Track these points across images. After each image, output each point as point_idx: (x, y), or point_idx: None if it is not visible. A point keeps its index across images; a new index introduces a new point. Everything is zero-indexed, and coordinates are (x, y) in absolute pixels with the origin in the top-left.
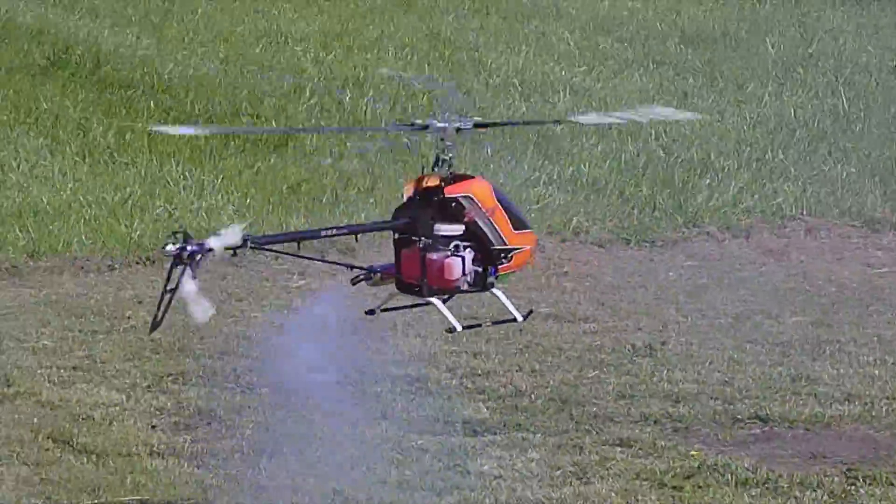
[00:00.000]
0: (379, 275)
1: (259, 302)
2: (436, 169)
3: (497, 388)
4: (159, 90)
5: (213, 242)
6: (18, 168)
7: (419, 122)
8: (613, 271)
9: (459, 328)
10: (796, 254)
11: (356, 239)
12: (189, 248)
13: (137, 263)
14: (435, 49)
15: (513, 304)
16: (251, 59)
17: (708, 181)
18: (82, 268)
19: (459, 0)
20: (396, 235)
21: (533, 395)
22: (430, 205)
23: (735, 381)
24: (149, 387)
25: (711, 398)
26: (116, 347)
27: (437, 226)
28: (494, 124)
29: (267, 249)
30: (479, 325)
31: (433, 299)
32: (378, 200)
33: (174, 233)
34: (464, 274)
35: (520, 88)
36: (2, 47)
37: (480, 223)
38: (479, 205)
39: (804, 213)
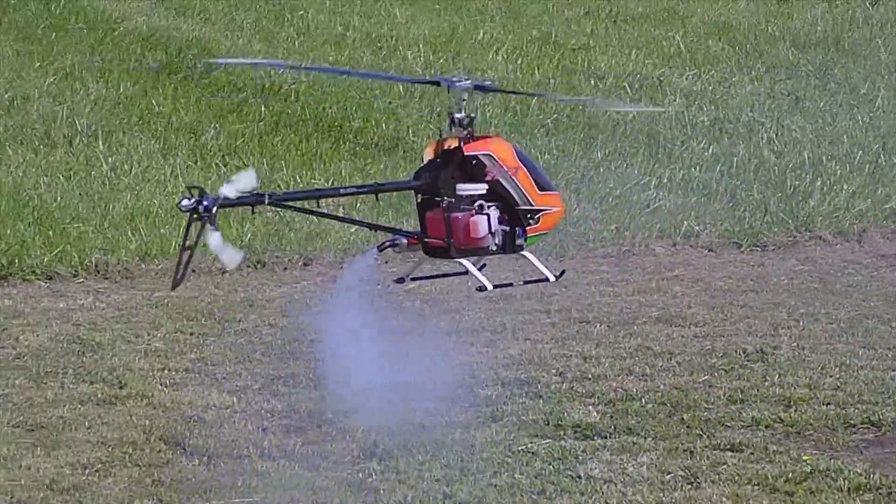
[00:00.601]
0: (405, 241)
1: (370, 304)
2: (453, 130)
3: (607, 392)
4: (270, 94)
5: (226, 190)
6: (131, 171)
7: (439, 77)
8: (724, 275)
9: (490, 287)
10: None
11: (377, 198)
12: (205, 202)
13: (248, 266)
14: (545, 53)
15: (544, 263)
16: (361, 63)
17: (820, 185)
18: (193, 271)
19: (569, 4)
20: (419, 199)
21: (643, 399)
22: (450, 164)
23: (847, 386)
24: (260, 389)
25: (823, 403)
26: (227, 350)
27: (458, 185)
28: (495, 90)
29: (286, 206)
30: (511, 284)
31: (462, 259)
32: None
33: (189, 188)
34: (490, 232)
35: (630, 92)
36: (116, 52)
37: (503, 182)
38: (501, 163)
39: None
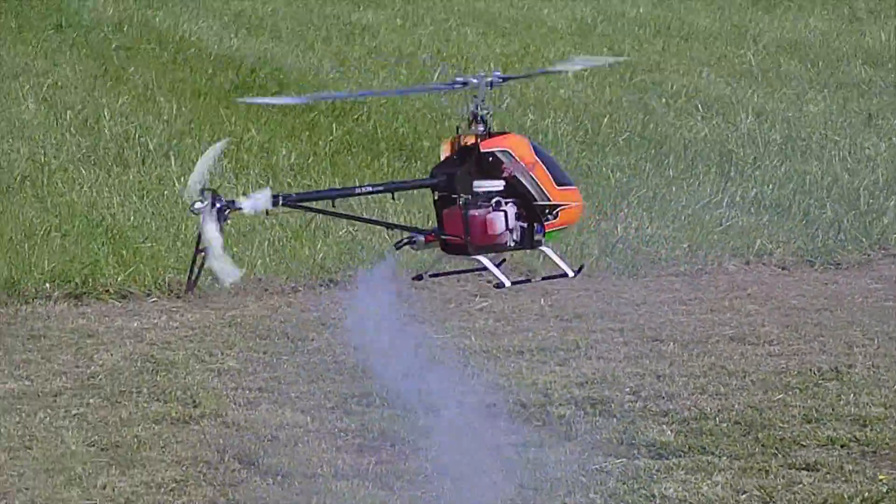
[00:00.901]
0: (423, 238)
1: (441, 323)
2: (472, 127)
3: (681, 411)
4: (341, 113)
5: (244, 203)
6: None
7: (460, 78)
8: (798, 294)
9: (508, 283)
10: None
11: (392, 197)
12: (217, 204)
13: (321, 285)
14: (616, 71)
15: (563, 259)
16: (430, 80)
17: (894, 203)
18: (266, 290)
19: (641, 22)
20: (436, 196)
21: (717, 419)
22: (467, 161)
23: None
24: (333, 408)
25: None
26: (301, 369)
27: (475, 182)
28: (515, 77)
29: (300, 207)
30: (530, 280)
31: (480, 257)
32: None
33: (203, 190)
34: (507, 229)
35: (701, 110)
36: (187, 71)
37: (521, 178)
38: (518, 159)
39: None
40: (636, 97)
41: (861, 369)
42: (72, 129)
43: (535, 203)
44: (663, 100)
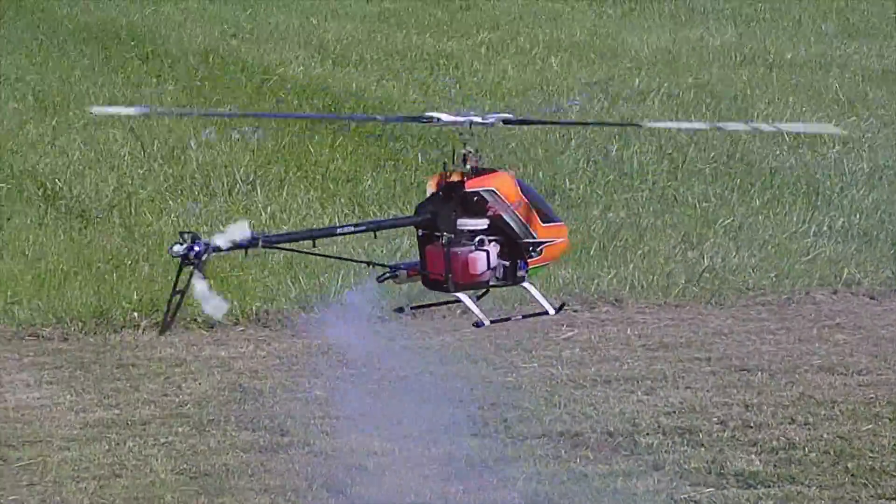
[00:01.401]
0: (405, 272)
1: (528, 353)
2: (458, 164)
3: (769, 441)
4: (426, 142)
5: (219, 240)
6: (289, 220)
7: (434, 115)
8: (887, 323)
9: (487, 322)
10: None
11: (374, 236)
12: (196, 248)
13: (409, 314)
14: (701, 99)
15: (544, 296)
16: (518, 110)
17: None
18: (354, 319)
19: (725, 51)
20: (420, 232)
21: (806, 448)
22: (451, 199)
23: None
24: (420, 437)
25: None
26: (389, 397)
27: (459, 220)
28: (524, 122)
29: (279, 248)
30: (509, 319)
31: (460, 294)
32: (645, 253)
33: (181, 233)
34: (489, 268)
35: (787, 139)
36: (273, 101)
37: (506, 217)
38: (503, 198)
39: None
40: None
41: None
42: (159, 158)
43: (520, 241)
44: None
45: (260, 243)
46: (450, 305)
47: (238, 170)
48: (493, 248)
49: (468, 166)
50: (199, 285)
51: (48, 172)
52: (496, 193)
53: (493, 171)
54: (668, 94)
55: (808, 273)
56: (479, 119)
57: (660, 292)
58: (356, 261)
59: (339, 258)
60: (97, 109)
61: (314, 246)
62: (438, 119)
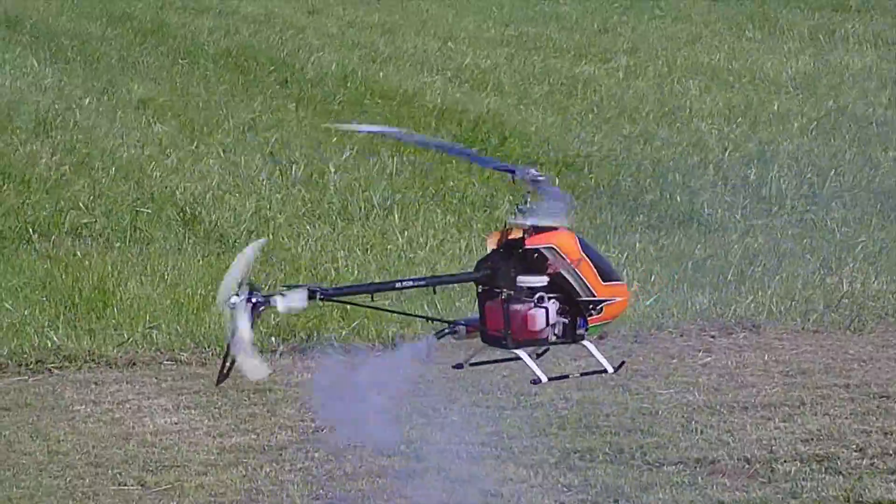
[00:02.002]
0: (464, 328)
1: (665, 379)
2: (517, 221)
3: None
4: (563, 166)
5: (279, 302)
6: (426, 245)
7: (510, 167)
8: None
9: (545, 380)
10: None
11: (434, 291)
12: (254, 299)
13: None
14: (840, 123)
15: (604, 356)
16: (655, 134)
17: None
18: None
19: (866, 74)
20: (480, 289)
21: None
22: (511, 256)
23: None
24: (556, 463)
25: None
26: (523, 423)
27: (519, 277)
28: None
29: (337, 301)
30: (567, 377)
31: (519, 351)
32: (783, 278)
33: (240, 284)
34: (548, 325)
35: None
36: (411, 125)
37: (566, 274)
38: (564, 256)
39: None
40: (859, 150)
41: None
42: (297, 184)
43: (580, 299)
44: (890, 153)
45: (318, 296)
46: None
47: (375, 194)
48: (553, 306)
49: (526, 222)
50: (243, 341)
51: (188, 197)
52: (556, 251)
53: (554, 228)
54: (808, 118)
55: None
56: (537, 174)
57: (798, 318)
58: (416, 315)
59: (401, 313)
60: (338, 125)
61: (373, 300)
62: (521, 172)
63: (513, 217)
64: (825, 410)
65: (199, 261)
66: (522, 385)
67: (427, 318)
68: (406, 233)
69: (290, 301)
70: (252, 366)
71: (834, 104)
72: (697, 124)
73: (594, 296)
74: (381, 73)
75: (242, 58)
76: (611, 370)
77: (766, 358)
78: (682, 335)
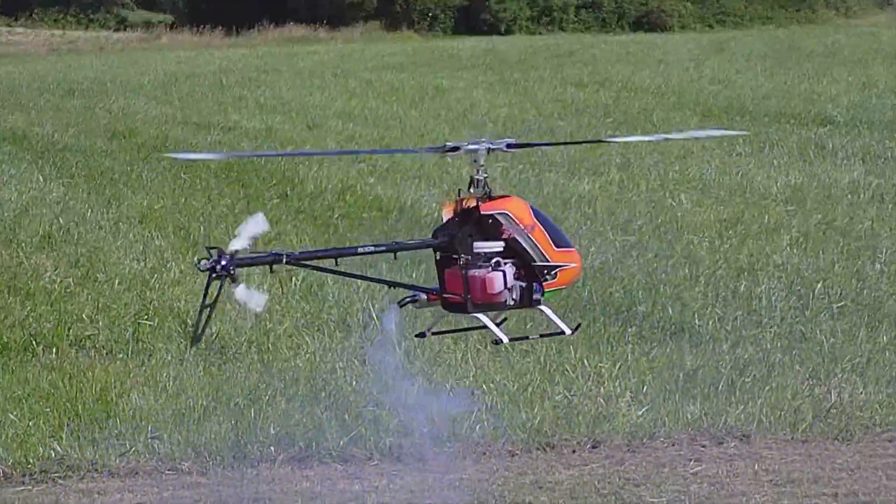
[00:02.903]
0: (425, 297)
1: (656, 487)
2: (471, 190)
3: None
4: None
5: (235, 243)
6: (423, 355)
7: (450, 143)
8: None
9: (506, 340)
10: None
11: (394, 256)
12: (222, 262)
13: (538, 449)
14: (830, 238)
15: (560, 318)
16: (648, 247)
17: None
18: (484, 453)
19: (853, 188)
20: (438, 256)
21: None
22: (467, 223)
23: None
24: None
25: None
26: None
27: (475, 243)
28: (528, 145)
29: (303, 265)
30: (527, 338)
31: (479, 314)
32: (773, 388)
33: (208, 248)
34: (506, 288)
35: None
36: (411, 237)
37: (520, 239)
38: (517, 222)
39: None
40: (849, 264)
41: None
42: (297, 295)
43: (534, 264)
44: (876, 266)
45: (284, 260)
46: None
47: (374, 306)
48: (510, 269)
49: (482, 192)
50: (238, 290)
51: (189, 309)
52: (510, 217)
53: (506, 196)
54: (797, 231)
55: None
56: (491, 145)
57: (787, 428)
58: (378, 280)
59: (364, 278)
60: (175, 154)
61: (336, 264)
62: (461, 147)
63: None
64: None
65: (200, 371)
66: (516, 494)
67: (391, 284)
68: (405, 343)
69: (247, 231)
70: (255, 302)
71: (822, 217)
72: (689, 237)
73: (548, 261)
74: (378, 188)
75: (243, 172)
76: (568, 332)
77: (755, 467)
78: (673, 444)
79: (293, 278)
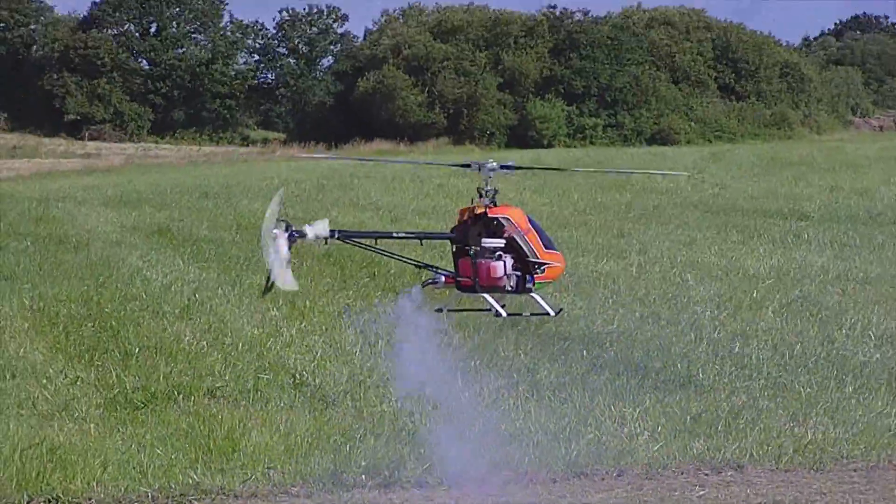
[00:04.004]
0: (443, 279)
1: None
2: (481, 199)
3: None
4: (589, 342)
5: (307, 230)
6: (483, 402)
7: (466, 162)
8: None
9: (504, 315)
10: None
11: (420, 243)
12: (290, 229)
13: (574, 477)
14: (805, 309)
15: (547, 303)
16: (661, 316)
17: None
18: (532, 480)
19: (824, 269)
20: (454, 248)
21: None
22: (477, 223)
23: None
24: None
25: None
26: None
27: (483, 239)
28: (519, 168)
29: (351, 242)
30: (521, 315)
31: (485, 295)
32: (761, 429)
33: (279, 220)
34: (506, 274)
35: (874, 338)
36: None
37: (517, 239)
38: (516, 225)
39: None
40: (823, 335)
41: None
42: (382, 353)
43: (528, 259)
44: (843, 331)
45: (336, 236)
46: (480, 312)
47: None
48: (509, 261)
49: (488, 200)
50: (284, 250)
51: (297, 365)
52: (511, 220)
53: (507, 205)
54: (779, 303)
55: (892, 445)
56: (495, 165)
57: (773, 460)
58: (410, 262)
59: (399, 258)
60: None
61: (376, 244)
62: (476, 165)
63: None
64: None
65: (306, 415)
66: None
67: (417, 265)
68: (465, 394)
69: (315, 229)
70: (286, 280)
71: (800, 293)
72: (693, 308)
73: (538, 258)
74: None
75: (340, 257)
76: (553, 314)
77: (748, 492)
78: (682, 473)
79: (379, 340)
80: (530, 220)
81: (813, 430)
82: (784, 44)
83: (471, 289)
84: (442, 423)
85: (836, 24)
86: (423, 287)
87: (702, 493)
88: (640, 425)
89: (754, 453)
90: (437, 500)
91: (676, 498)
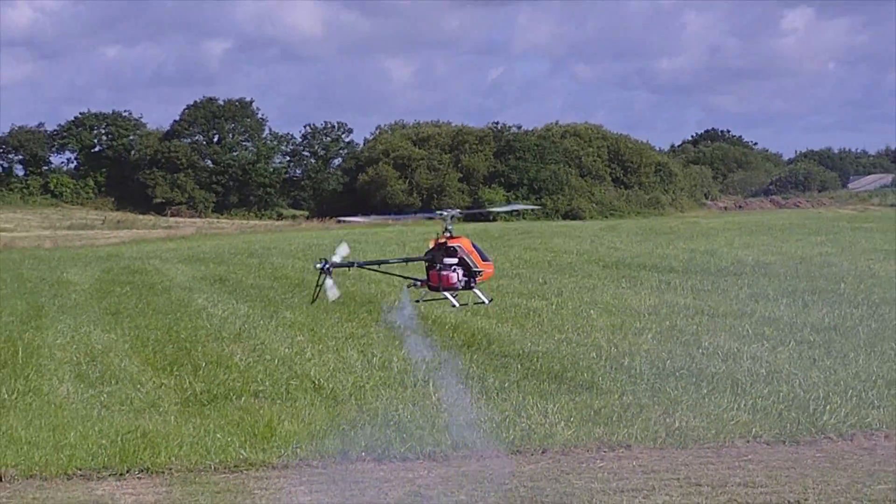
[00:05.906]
0: (420, 283)
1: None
2: (444, 234)
3: None
4: (522, 358)
5: (333, 257)
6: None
7: (435, 210)
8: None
9: (458, 305)
10: None
11: (406, 264)
12: (328, 264)
13: (511, 454)
14: (675, 336)
15: (484, 295)
16: (572, 340)
17: None
18: (480, 457)
19: (686, 308)
20: (426, 265)
21: None
22: (440, 249)
23: None
24: None
25: None
26: None
27: (444, 258)
28: (471, 210)
29: (366, 269)
30: (466, 304)
31: (445, 293)
32: (643, 419)
33: (320, 259)
34: (458, 280)
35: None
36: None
37: (465, 258)
38: (464, 249)
39: None
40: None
41: None
42: (376, 366)
43: (472, 269)
44: (699, 350)
45: (356, 265)
46: (440, 301)
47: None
48: (460, 271)
49: (447, 234)
50: (328, 281)
51: (316, 374)
52: (462, 247)
53: (460, 237)
54: (655, 331)
55: (734, 431)
56: (456, 212)
57: (651, 441)
58: (397, 275)
59: (394, 274)
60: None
61: (379, 267)
62: (439, 214)
63: (442, 232)
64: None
65: (322, 410)
66: None
67: (408, 279)
68: (435, 395)
69: (340, 252)
70: (333, 293)
71: (669, 324)
72: (595, 334)
73: (478, 268)
74: (480, 322)
75: (347, 298)
76: (487, 301)
77: (633, 464)
78: (587, 451)
79: (388, 362)
80: (473, 245)
81: (679, 421)
82: (657, 149)
83: (436, 289)
84: (419, 415)
85: (693, 135)
86: (408, 288)
87: (601, 465)
88: (557, 417)
89: (638, 436)
90: (416, 471)
91: (584, 468)
